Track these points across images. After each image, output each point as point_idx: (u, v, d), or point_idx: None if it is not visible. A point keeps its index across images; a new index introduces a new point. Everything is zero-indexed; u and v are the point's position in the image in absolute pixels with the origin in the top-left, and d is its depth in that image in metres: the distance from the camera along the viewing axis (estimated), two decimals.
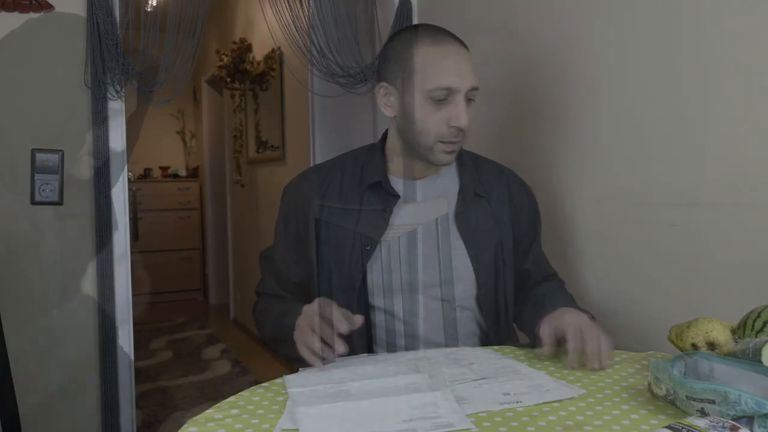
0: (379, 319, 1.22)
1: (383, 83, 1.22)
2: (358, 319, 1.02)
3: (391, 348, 1.22)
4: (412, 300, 1.21)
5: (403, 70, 1.17)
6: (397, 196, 1.23)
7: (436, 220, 1.24)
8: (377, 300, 1.21)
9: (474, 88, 1.17)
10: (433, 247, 1.23)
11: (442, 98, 1.15)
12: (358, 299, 1.20)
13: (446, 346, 1.23)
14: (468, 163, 1.30)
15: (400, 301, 1.21)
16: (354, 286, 1.20)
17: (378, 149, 1.29)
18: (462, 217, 1.24)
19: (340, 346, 0.97)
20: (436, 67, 1.14)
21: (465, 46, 1.20)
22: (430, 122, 1.16)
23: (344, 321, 0.99)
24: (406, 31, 1.23)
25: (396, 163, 1.26)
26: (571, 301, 1.25)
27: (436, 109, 1.15)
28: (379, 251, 1.21)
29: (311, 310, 1.04)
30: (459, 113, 1.15)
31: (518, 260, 1.31)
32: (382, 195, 1.23)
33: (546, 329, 1.05)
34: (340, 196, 1.24)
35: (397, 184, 1.25)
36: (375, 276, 1.21)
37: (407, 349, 1.21)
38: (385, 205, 1.22)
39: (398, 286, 1.21)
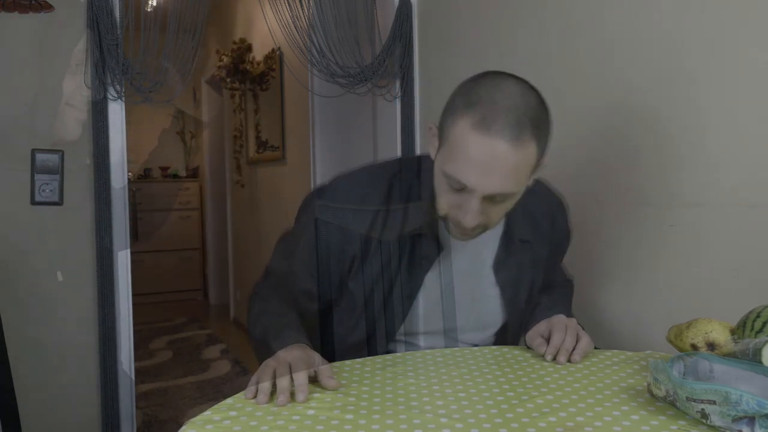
0: (399, 348, 1.20)
1: (434, 124, 1.07)
2: (330, 383, 0.92)
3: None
4: (434, 341, 1.19)
5: (444, 127, 1.01)
6: (440, 247, 1.13)
7: (474, 270, 1.18)
8: (408, 337, 1.19)
9: (500, 194, 0.98)
10: (467, 298, 1.18)
11: (458, 188, 0.99)
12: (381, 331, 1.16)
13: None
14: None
15: (429, 340, 1.19)
16: (379, 324, 1.15)
17: (423, 184, 1.11)
18: (502, 266, 1.18)
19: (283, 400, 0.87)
20: (462, 154, 0.96)
21: (520, 140, 0.94)
22: (443, 200, 1.03)
23: (305, 391, 0.88)
24: (477, 82, 1.00)
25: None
26: (562, 310, 1.22)
27: (452, 191, 1.01)
28: (417, 302, 1.15)
29: (284, 359, 0.95)
30: (466, 212, 0.99)
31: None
32: (424, 242, 1.13)
33: (531, 334, 1.12)
34: (381, 237, 1.13)
35: (443, 230, 1.12)
36: (410, 323, 1.17)
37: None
38: (427, 254, 1.13)
39: (423, 328, 1.18)
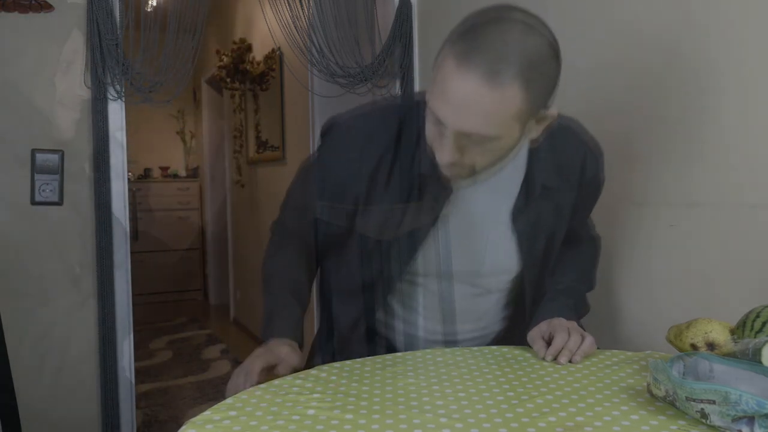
0: (411, 290, 1.19)
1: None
2: (280, 371, 1.04)
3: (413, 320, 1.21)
4: (448, 284, 1.18)
5: (438, 55, 0.96)
6: (449, 189, 1.09)
7: (490, 215, 1.14)
8: (414, 277, 1.18)
9: (475, 134, 0.92)
10: (481, 242, 1.15)
11: (437, 121, 0.95)
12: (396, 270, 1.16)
13: (477, 328, 1.23)
14: (542, 145, 1.08)
15: (436, 283, 1.18)
16: (397, 274, 1.16)
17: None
18: (520, 214, 1.13)
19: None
20: (440, 86, 0.92)
21: (498, 81, 0.87)
22: (428, 131, 1.01)
23: (253, 381, 1.01)
24: (481, 13, 0.93)
25: None
26: (570, 303, 1.22)
27: (434, 123, 0.97)
28: (425, 240, 1.14)
29: (258, 356, 1.07)
30: (441, 148, 0.96)
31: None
32: (434, 184, 1.08)
33: (532, 334, 1.12)
34: (390, 177, 1.11)
35: None
36: (417, 260, 1.15)
37: (429, 318, 1.21)
38: (436, 195, 1.09)
39: (434, 270, 1.17)
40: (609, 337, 1.46)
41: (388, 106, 1.19)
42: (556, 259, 1.23)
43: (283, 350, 1.07)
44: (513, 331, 1.25)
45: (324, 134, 1.18)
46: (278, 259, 1.25)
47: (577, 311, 1.21)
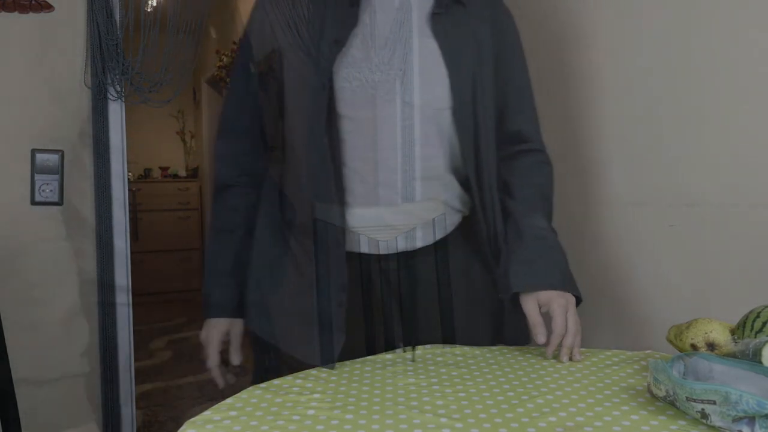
0: (348, 128, 1.13)
1: None
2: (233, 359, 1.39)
3: (362, 161, 1.14)
4: (381, 104, 1.13)
5: None
6: None
7: (408, 17, 1.16)
8: (344, 107, 1.13)
9: None
10: (403, 45, 1.14)
11: None
12: (327, 107, 1.12)
13: (419, 149, 1.15)
14: None
15: (370, 106, 1.13)
16: (322, 91, 1.11)
17: None
18: (438, 19, 1.16)
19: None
20: None
21: None
22: None
23: (238, 354, 1.33)
24: None
25: None
26: (547, 235, 1.19)
27: None
28: (348, 49, 1.13)
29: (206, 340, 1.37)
30: None
31: (503, 114, 1.23)
32: None
33: (532, 311, 1.08)
34: None
35: None
36: (340, 79, 1.12)
37: (382, 161, 1.13)
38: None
39: (366, 90, 1.13)
40: (609, 337, 1.46)
41: None
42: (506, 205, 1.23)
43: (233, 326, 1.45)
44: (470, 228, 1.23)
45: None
46: (219, 227, 1.50)
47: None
